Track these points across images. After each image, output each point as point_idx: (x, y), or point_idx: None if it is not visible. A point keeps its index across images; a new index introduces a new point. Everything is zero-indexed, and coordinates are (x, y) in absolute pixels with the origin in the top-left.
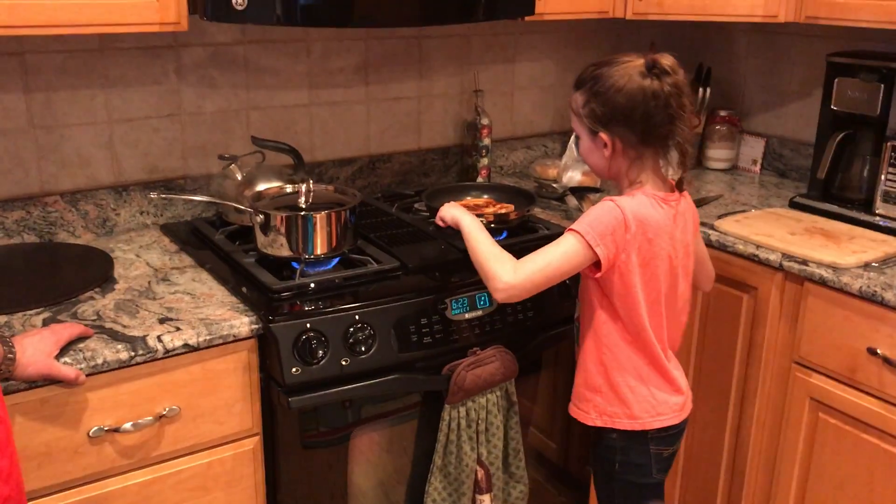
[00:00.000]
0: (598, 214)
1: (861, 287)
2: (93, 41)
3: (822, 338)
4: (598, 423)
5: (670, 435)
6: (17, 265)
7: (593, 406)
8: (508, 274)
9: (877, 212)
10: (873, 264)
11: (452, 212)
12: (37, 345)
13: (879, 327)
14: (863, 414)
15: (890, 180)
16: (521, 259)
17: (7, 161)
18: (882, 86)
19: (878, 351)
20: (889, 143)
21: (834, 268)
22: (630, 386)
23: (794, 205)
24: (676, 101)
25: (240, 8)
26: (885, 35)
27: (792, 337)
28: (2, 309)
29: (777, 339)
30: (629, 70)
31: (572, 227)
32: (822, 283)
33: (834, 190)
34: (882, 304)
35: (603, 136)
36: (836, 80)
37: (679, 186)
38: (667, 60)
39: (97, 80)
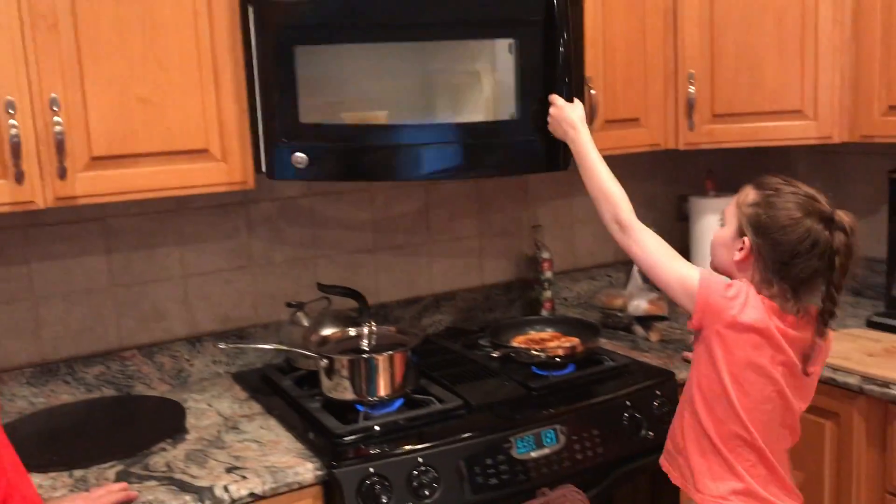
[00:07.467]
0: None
1: None
2: (169, 202)
3: None
4: None
5: None
6: (96, 419)
7: None
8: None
9: None
10: None
11: (572, 118)
12: None
13: None
14: None
15: None
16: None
17: (90, 319)
18: None
19: None
20: None
21: None
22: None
23: (871, 324)
24: (841, 261)
25: (301, 167)
26: None
27: (882, 465)
28: (79, 463)
29: (866, 468)
30: (813, 207)
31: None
32: None
33: None
34: None
35: (747, 240)
36: None
37: (822, 318)
38: (848, 219)
39: (172, 237)
